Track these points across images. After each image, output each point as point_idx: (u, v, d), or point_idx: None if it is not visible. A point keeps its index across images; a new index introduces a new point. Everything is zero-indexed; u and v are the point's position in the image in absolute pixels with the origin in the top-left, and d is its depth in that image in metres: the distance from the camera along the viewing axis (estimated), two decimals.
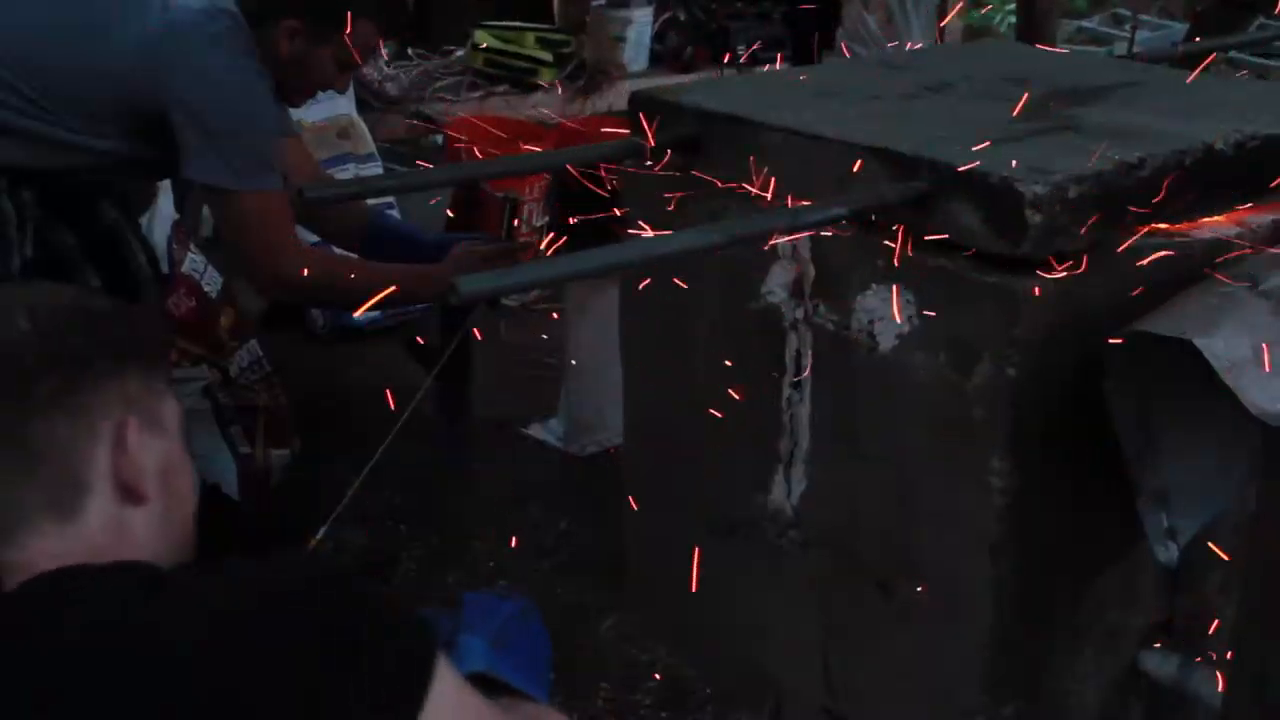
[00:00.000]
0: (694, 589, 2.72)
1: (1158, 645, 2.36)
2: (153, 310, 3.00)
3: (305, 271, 2.76)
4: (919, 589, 2.27)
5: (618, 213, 2.64)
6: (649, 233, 2.12)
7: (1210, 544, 2.26)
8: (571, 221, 2.87)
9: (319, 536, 2.93)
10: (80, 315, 1.43)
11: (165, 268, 3.42)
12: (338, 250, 3.35)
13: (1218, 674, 2.18)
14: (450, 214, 3.58)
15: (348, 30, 2.71)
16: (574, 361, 3.69)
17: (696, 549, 2.69)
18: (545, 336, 4.23)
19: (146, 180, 3.29)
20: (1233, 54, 6.71)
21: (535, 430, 3.83)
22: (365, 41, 2.77)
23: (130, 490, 1.40)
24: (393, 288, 2.64)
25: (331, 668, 1.27)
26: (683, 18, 5.65)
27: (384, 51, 5.04)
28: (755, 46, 5.61)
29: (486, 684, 1.60)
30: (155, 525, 1.42)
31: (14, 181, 2.68)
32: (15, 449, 1.35)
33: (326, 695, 1.26)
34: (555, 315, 3.92)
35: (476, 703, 1.42)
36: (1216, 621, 2.33)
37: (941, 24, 6.01)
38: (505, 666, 1.69)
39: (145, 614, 1.28)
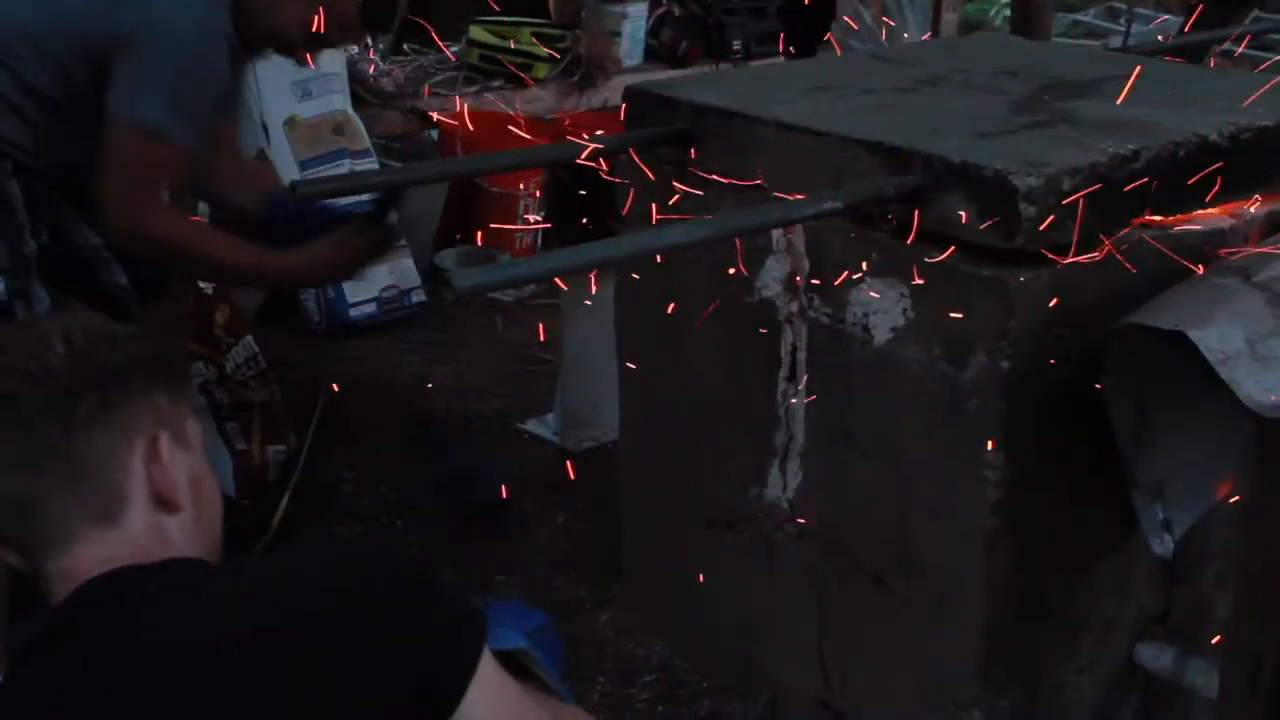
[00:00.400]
0: (691, 583, 2.73)
1: (1153, 638, 2.37)
2: (173, 335, 2.98)
3: (164, 230, 2.65)
4: (914, 582, 2.27)
5: (612, 208, 2.64)
6: (643, 227, 2.12)
7: (1205, 536, 2.27)
8: (579, 221, 2.84)
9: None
10: (111, 337, 1.53)
11: None
12: None
13: (1214, 666, 2.19)
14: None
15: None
16: (569, 357, 3.68)
17: (692, 543, 2.70)
18: (541, 330, 4.24)
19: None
20: (1228, 47, 6.71)
21: (531, 425, 3.83)
22: (341, 12, 2.68)
23: (165, 500, 1.49)
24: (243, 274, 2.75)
25: (393, 636, 1.40)
26: (677, 12, 5.65)
27: (371, 48, 5.04)
28: (750, 41, 5.62)
29: (516, 667, 1.68)
30: (189, 530, 1.51)
31: (20, 171, 2.64)
32: (60, 463, 1.44)
33: (385, 663, 1.38)
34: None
35: (516, 688, 1.53)
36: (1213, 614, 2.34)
37: (936, 18, 6.01)
38: (540, 657, 1.80)
39: (221, 598, 1.42)
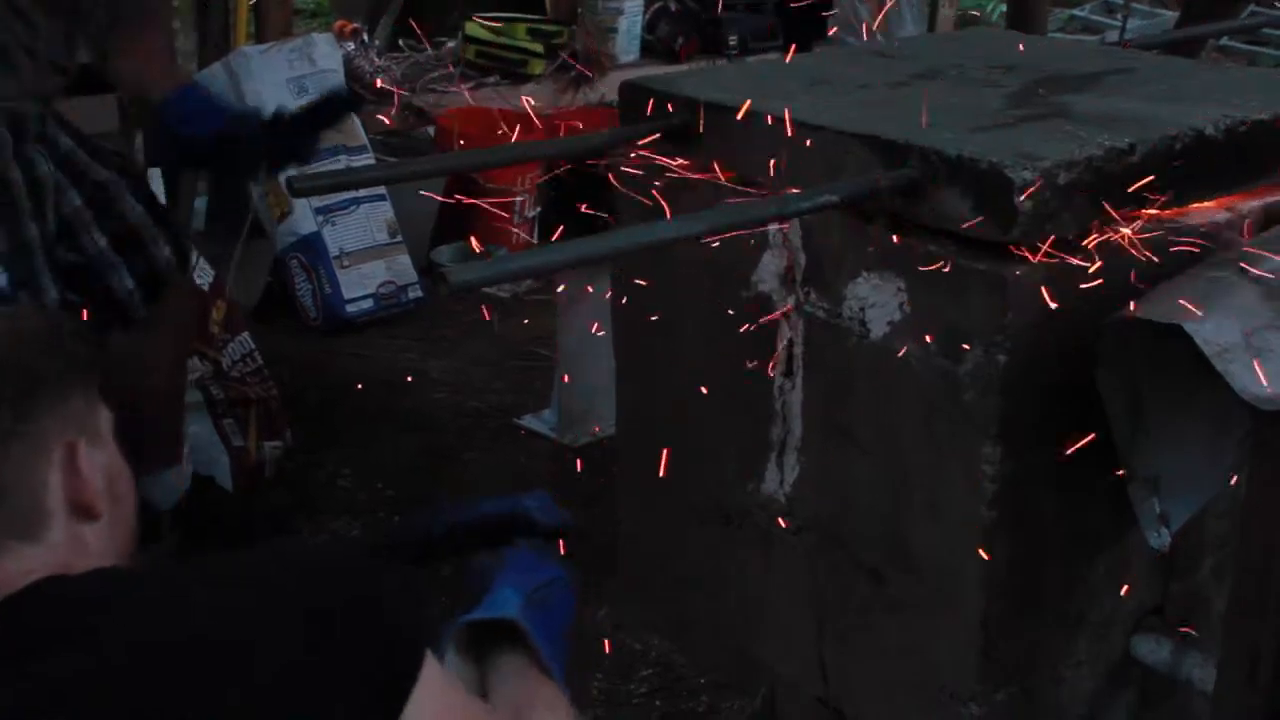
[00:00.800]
0: (688, 578, 2.73)
1: (1150, 631, 2.37)
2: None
3: None
4: (911, 576, 2.27)
5: (609, 203, 2.64)
6: (639, 222, 2.12)
7: (1202, 529, 2.27)
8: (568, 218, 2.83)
9: None
10: (19, 342, 1.45)
11: None
12: None
13: (1211, 659, 2.19)
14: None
15: None
16: (566, 352, 3.68)
17: (690, 538, 2.70)
18: (533, 325, 4.24)
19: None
20: (1224, 41, 6.72)
21: (528, 421, 3.83)
22: None
23: (85, 509, 1.42)
24: None
25: (320, 651, 1.30)
26: (674, 8, 5.65)
27: (359, 37, 5.04)
28: (746, 37, 5.62)
29: (511, 633, 1.65)
30: (106, 533, 1.45)
31: (18, 137, 2.60)
32: None
33: (315, 677, 1.29)
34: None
35: (462, 701, 1.44)
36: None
37: (933, 13, 6.02)
38: (535, 626, 1.70)
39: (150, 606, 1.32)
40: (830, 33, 6.12)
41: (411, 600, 1.42)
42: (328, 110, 2.81)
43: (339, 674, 1.30)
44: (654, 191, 2.45)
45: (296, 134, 2.76)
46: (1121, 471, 2.07)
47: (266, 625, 1.30)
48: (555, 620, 1.78)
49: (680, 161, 2.45)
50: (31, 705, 1.25)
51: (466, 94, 4.90)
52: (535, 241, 5.13)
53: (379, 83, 4.95)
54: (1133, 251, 2.05)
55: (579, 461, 3.58)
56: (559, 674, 1.71)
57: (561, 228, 2.97)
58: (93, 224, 2.77)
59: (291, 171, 2.71)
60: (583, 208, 2.76)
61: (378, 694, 1.32)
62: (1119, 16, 7.57)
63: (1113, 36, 7.50)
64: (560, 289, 3.63)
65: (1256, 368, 1.77)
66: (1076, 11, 9.39)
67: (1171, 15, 7.72)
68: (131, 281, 2.82)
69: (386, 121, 4.85)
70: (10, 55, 2.57)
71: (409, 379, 4.08)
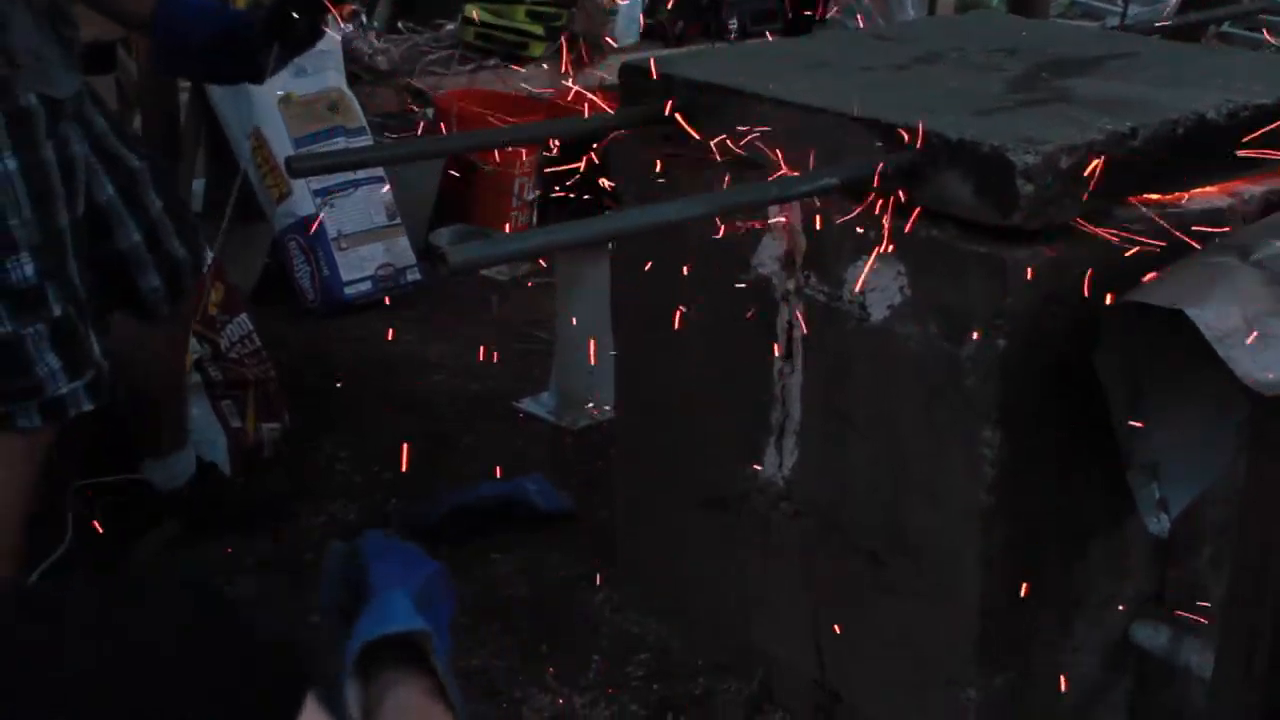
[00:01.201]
0: (686, 562, 2.73)
1: (1148, 617, 2.37)
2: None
3: None
4: (910, 561, 2.27)
5: (607, 185, 2.63)
6: (638, 203, 2.11)
7: (1201, 514, 2.27)
8: (560, 192, 2.81)
9: None
10: None
11: None
12: None
13: (1209, 646, 2.19)
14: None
15: None
16: (565, 335, 3.68)
17: (688, 522, 2.69)
18: (532, 307, 4.23)
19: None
20: (1226, 27, 6.70)
21: (526, 404, 3.82)
22: None
23: None
24: None
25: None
26: None
27: (358, 18, 5.02)
28: (747, 20, 5.61)
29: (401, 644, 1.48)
30: None
31: (54, 114, 2.46)
32: None
33: None
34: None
35: None
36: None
37: None
38: (436, 641, 1.52)
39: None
40: (831, 14, 6.11)
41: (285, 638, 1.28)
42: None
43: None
44: (653, 173, 2.45)
45: (291, 18, 2.65)
46: (1121, 457, 2.07)
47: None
48: (442, 620, 1.60)
49: (680, 143, 2.44)
50: None
51: (461, 77, 4.90)
52: (535, 223, 5.13)
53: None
54: (1134, 236, 2.04)
55: (577, 445, 3.59)
56: (454, 690, 1.52)
57: (559, 209, 2.96)
58: (127, 216, 2.72)
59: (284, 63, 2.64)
60: (580, 191, 2.76)
61: None
62: (1119, 1, 7.55)
63: (1114, 22, 7.48)
64: (559, 271, 3.63)
65: (1258, 353, 1.76)
66: None
67: (1172, 1, 7.70)
68: (159, 279, 2.79)
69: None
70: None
71: (407, 362, 4.08)
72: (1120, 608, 2.35)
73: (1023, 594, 2.20)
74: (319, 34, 2.74)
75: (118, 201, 2.70)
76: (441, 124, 4.90)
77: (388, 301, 4.42)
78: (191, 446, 3.17)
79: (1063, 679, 2.31)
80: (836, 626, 2.45)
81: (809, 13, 5.78)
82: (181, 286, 2.86)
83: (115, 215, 2.70)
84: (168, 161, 3.55)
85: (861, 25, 5.61)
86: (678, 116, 2.41)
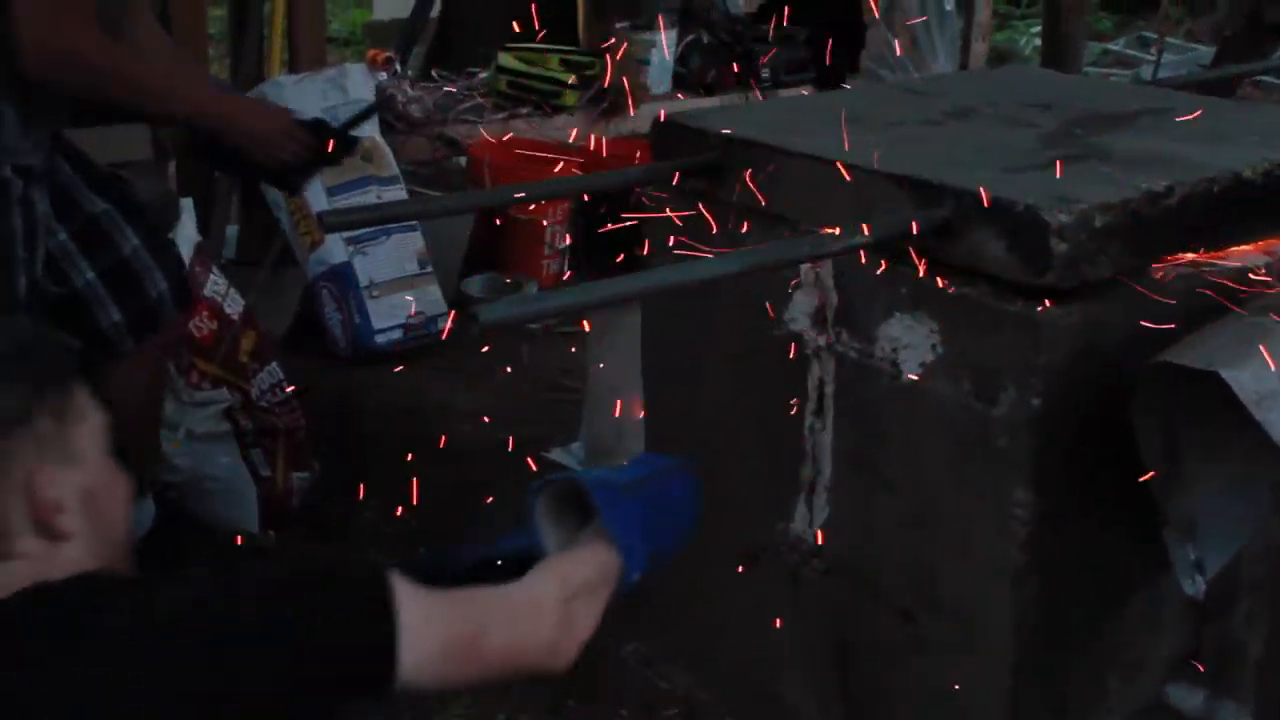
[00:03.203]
0: (715, 615, 2.71)
1: (1184, 677, 2.34)
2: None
3: (96, 53, 2.53)
4: (941, 618, 2.25)
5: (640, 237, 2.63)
6: (671, 259, 2.11)
7: (1237, 573, 2.24)
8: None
9: None
10: None
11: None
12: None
13: (1245, 708, 2.16)
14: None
15: None
16: (595, 385, 3.67)
17: (717, 576, 2.68)
18: (562, 357, 4.22)
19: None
20: (1261, 77, 6.69)
21: (556, 454, 3.82)
22: None
23: (51, 529, 1.48)
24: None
25: (311, 619, 1.46)
26: (706, 40, 5.65)
27: (392, 67, 5.05)
28: (779, 70, 5.61)
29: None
30: (88, 549, 1.51)
31: (27, 178, 2.54)
32: None
33: (310, 638, 1.45)
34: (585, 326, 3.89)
35: (438, 601, 1.58)
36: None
37: (966, 48, 6.01)
38: (610, 499, 1.88)
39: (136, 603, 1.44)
40: (863, 64, 6.13)
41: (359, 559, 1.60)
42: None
43: (331, 629, 1.46)
44: (685, 228, 2.45)
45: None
46: (1155, 516, 2.05)
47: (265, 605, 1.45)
48: (654, 509, 1.94)
49: (713, 199, 2.44)
50: (8, 692, 1.35)
51: (494, 126, 4.91)
52: (566, 272, 5.13)
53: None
54: (1170, 295, 2.03)
55: None
56: (630, 552, 1.88)
57: (593, 261, 2.97)
58: (80, 256, 2.75)
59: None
60: (614, 243, 2.76)
61: (369, 630, 1.48)
62: (1153, 51, 7.55)
63: (1146, 71, 7.48)
64: (591, 322, 3.63)
65: None
66: (1111, 46, 9.38)
67: (1205, 50, 7.70)
68: (119, 315, 2.80)
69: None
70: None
71: (437, 410, 4.08)
72: (1155, 668, 2.33)
73: (1055, 653, 2.19)
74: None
75: (70, 244, 2.74)
76: (475, 173, 4.91)
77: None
78: (150, 500, 3.08)
79: None
80: (866, 683, 2.43)
81: (841, 63, 5.78)
82: (159, 317, 2.88)
83: (67, 257, 2.74)
84: (155, 195, 3.58)
85: (894, 76, 5.62)
86: (708, 172, 2.42)
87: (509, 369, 4.37)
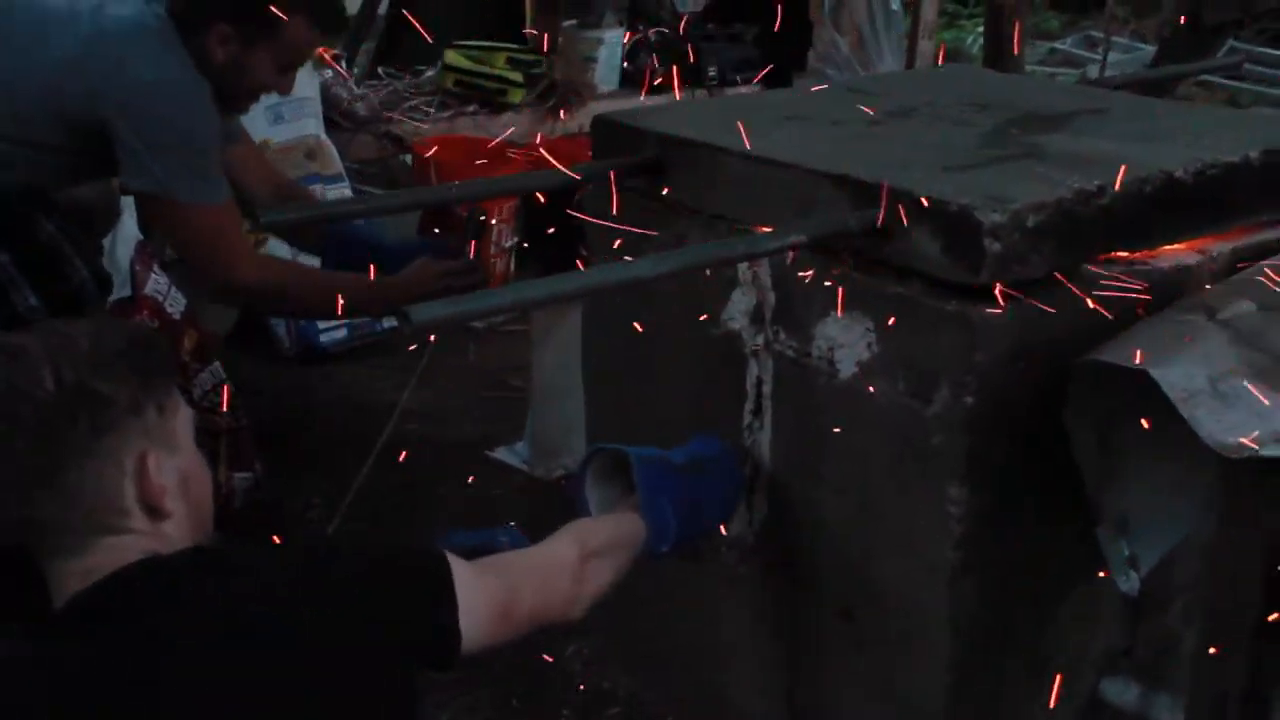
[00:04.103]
0: (658, 615, 2.71)
1: (1119, 673, 2.36)
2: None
3: (258, 279, 2.78)
4: (880, 616, 2.26)
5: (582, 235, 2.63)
6: (610, 257, 2.11)
7: (1171, 570, 2.26)
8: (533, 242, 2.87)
9: None
10: (99, 361, 1.60)
11: (128, 289, 3.39)
12: (301, 257, 3.36)
13: (1179, 702, 2.18)
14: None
15: (282, 31, 2.69)
16: (540, 385, 3.67)
17: (659, 575, 2.68)
18: (508, 355, 4.21)
19: (88, 180, 3.20)
20: (1204, 76, 6.75)
21: (501, 453, 3.82)
22: (301, 41, 2.74)
23: (156, 509, 1.61)
24: (343, 300, 2.75)
25: (382, 592, 1.65)
26: (654, 39, 5.65)
27: (338, 64, 5.03)
28: (726, 68, 5.61)
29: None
30: (183, 527, 1.65)
31: None
32: (60, 492, 1.56)
33: (385, 607, 1.64)
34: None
35: (479, 572, 1.78)
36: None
37: (912, 46, 6.03)
38: (650, 475, 2.15)
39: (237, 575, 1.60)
40: (810, 63, 6.14)
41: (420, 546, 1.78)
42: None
43: (398, 596, 1.66)
44: (625, 227, 2.45)
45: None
46: (1090, 513, 2.06)
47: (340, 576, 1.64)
48: (693, 489, 2.20)
49: (651, 197, 2.44)
50: (139, 652, 1.50)
51: (440, 124, 4.90)
52: (513, 270, 5.11)
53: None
54: (1101, 294, 2.05)
55: (552, 495, 3.58)
56: (657, 523, 2.14)
57: (537, 257, 2.97)
58: None
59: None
60: (556, 242, 2.76)
61: (430, 595, 1.69)
62: (1099, 50, 7.60)
63: (1094, 70, 7.53)
64: (534, 321, 3.63)
65: (1222, 414, 1.76)
66: (1058, 44, 9.44)
67: (1151, 49, 7.76)
68: (36, 299, 2.80)
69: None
70: None
71: (381, 409, 4.07)
72: (1091, 663, 2.34)
73: (993, 649, 2.20)
74: None
75: None
76: (421, 171, 4.89)
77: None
78: None
79: None
80: (808, 681, 2.44)
81: (788, 61, 5.79)
82: (81, 303, 2.89)
83: (22, 215, 2.80)
84: None
85: (841, 75, 5.64)
86: (647, 171, 2.42)
87: (454, 368, 4.37)
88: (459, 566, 1.74)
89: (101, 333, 1.65)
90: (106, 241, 3.54)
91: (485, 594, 1.76)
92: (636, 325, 2.52)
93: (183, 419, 1.69)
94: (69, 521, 1.57)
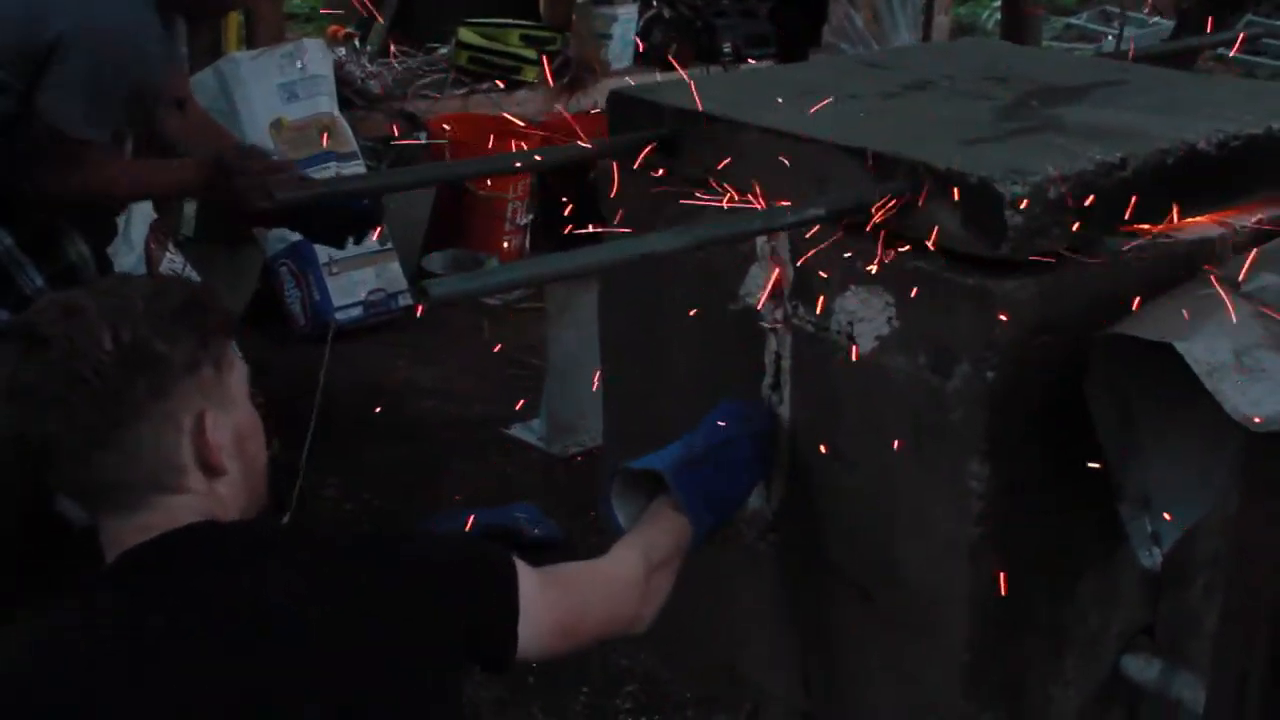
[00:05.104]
0: (675, 593, 2.70)
1: (1140, 650, 2.34)
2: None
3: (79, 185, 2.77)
4: (898, 595, 2.24)
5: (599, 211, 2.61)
6: (627, 233, 2.09)
7: (1193, 546, 2.24)
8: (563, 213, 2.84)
9: None
10: (156, 320, 1.58)
11: (143, 268, 3.39)
12: None
13: (1200, 679, 2.16)
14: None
15: None
16: (555, 362, 3.66)
17: None
18: (523, 333, 4.21)
19: None
20: (1221, 51, 6.71)
21: (517, 430, 3.81)
22: None
23: (213, 467, 1.61)
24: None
25: (447, 581, 1.67)
26: (668, 15, 5.63)
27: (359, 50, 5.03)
28: (740, 44, 5.59)
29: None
30: (237, 485, 1.64)
31: None
32: (116, 454, 1.55)
33: (447, 597, 1.65)
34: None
35: (549, 583, 1.80)
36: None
37: (928, 21, 5.99)
38: (684, 481, 2.12)
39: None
40: (825, 39, 6.10)
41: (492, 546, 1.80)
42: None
43: (469, 589, 1.69)
44: (641, 202, 2.43)
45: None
46: (1112, 489, 2.05)
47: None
48: (720, 479, 2.18)
49: (668, 172, 2.42)
50: (188, 616, 1.51)
51: (454, 102, 4.88)
52: (528, 248, 5.11)
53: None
54: (1124, 267, 2.03)
55: (567, 472, 3.57)
56: (699, 522, 2.12)
57: (552, 236, 2.96)
58: None
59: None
60: (571, 218, 2.75)
61: (498, 594, 1.71)
62: (1115, 24, 7.56)
63: (1109, 45, 7.49)
64: (550, 299, 3.62)
65: (1247, 387, 1.74)
66: (1073, 20, 9.39)
67: (1168, 24, 7.71)
68: (42, 280, 2.83)
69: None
70: None
71: (397, 387, 4.06)
72: (1112, 641, 2.33)
73: (1012, 627, 2.18)
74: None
75: None
76: (435, 149, 4.88)
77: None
78: None
79: (1053, 713, 2.29)
80: (825, 659, 2.43)
81: (802, 36, 5.77)
82: (82, 280, 2.87)
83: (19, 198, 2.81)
84: None
85: (856, 49, 5.61)
86: (665, 146, 2.40)
87: (470, 346, 4.36)
88: (526, 574, 1.76)
89: (158, 291, 1.64)
90: (120, 220, 3.54)
91: (549, 607, 1.78)
92: (653, 301, 2.50)
93: (238, 375, 1.69)
94: (126, 480, 1.57)
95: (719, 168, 2.35)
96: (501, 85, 5.16)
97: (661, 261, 2.28)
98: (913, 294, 2.06)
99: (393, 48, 5.47)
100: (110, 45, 2.67)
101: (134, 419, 1.55)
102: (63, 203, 2.77)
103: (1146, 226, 2.11)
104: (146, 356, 1.55)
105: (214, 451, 1.59)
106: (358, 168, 4.56)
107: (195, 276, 3.48)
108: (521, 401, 3.88)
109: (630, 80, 4.73)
